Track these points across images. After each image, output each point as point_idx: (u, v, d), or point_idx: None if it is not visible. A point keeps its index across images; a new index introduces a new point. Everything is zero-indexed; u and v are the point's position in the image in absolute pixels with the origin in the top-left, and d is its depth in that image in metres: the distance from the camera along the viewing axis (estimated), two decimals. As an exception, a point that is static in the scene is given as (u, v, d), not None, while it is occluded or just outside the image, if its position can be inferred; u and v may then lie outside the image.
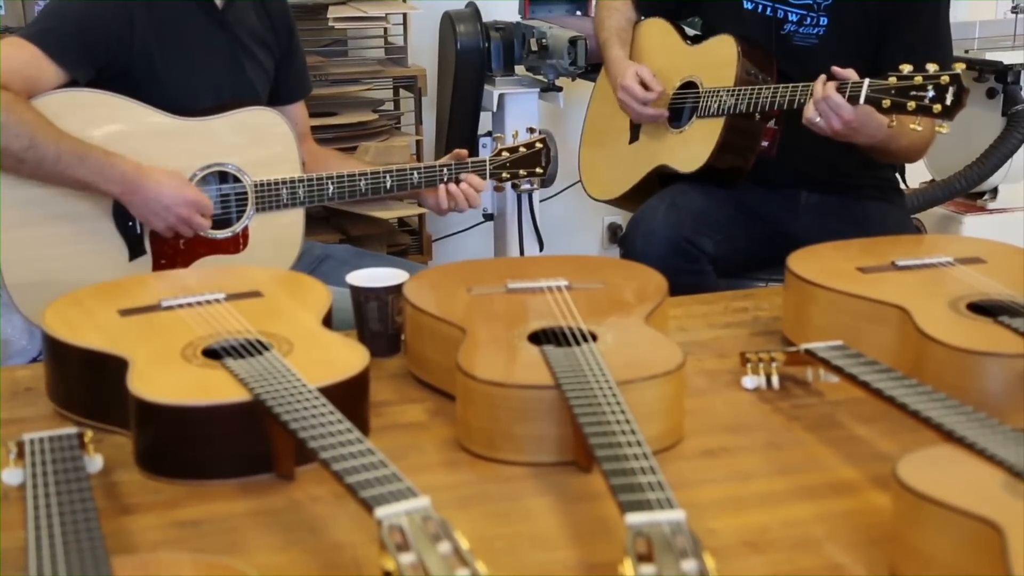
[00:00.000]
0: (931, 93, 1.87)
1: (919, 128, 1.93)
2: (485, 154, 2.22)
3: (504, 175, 2.21)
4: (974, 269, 1.62)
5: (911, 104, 1.89)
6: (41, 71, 1.89)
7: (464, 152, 2.18)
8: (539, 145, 2.23)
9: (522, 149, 2.22)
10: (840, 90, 1.97)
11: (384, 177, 2.11)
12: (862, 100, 1.94)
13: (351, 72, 3.06)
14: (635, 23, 2.49)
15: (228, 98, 2.05)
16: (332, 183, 2.06)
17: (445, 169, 2.15)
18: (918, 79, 1.88)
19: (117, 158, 1.89)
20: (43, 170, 1.86)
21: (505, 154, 2.21)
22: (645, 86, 2.32)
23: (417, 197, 2.25)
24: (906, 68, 1.89)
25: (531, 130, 2.26)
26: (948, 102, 1.87)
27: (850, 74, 1.97)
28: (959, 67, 1.88)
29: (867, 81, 1.94)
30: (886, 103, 1.92)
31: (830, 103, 1.96)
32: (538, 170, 2.24)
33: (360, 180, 2.09)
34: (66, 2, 1.99)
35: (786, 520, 1.18)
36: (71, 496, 1.06)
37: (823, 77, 2.00)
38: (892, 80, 1.91)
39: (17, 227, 1.90)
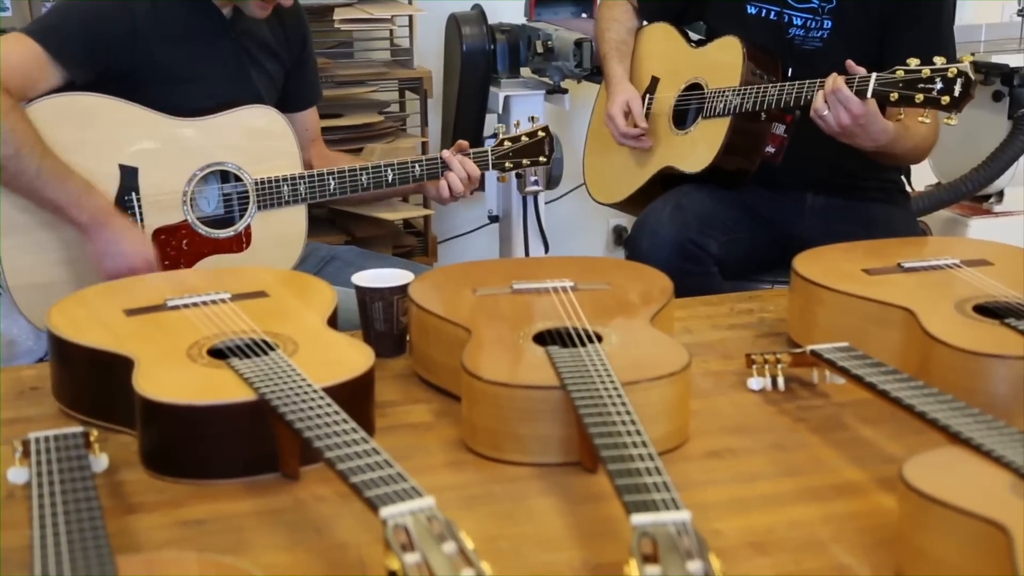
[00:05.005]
0: (939, 85, 1.87)
1: (927, 120, 1.93)
2: (490, 156, 2.21)
3: (507, 164, 2.21)
4: (980, 271, 1.62)
5: (919, 96, 1.89)
6: (41, 68, 1.89)
7: (465, 143, 2.17)
8: (541, 133, 2.22)
9: (524, 138, 2.21)
10: (848, 84, 1.97)
11: (385, 171, 2.10)
12: (869, 94, 1.95)
13: (357, 74, 3.06)
14: (638, 28, 2.50)
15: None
16: (333, 178, 2.06)
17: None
18: (925, 72, 1.88)
19: (94, 192, 1.89)
20: (20, 182, 1.85)
21: (507, 143, 2.20)
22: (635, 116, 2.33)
23: (420, 190, 2.25)
24: (913, 62, 1.90)
25: (533, 119, 2.25)
26: (956, 94, 1.87)
27: (862, 70, 1.98)
28: (967, 59, 1.89)
29: (874, 75, 1.94)
30: (894, 96, 1.92)
31: (839, 96, 1.96)
32: (542, 159, 2.23)
33: (361, 174, 2.08)
34: (70, 2, 1.99)
35: (792, 521, 1.18)
36: (76, 495, 1.06)
37: (835, 74, 1.99)
38: (900, 73, 1.91)
39: (19, 232, 1.90)
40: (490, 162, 2.18)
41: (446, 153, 2.14)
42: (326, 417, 1.18)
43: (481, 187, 2.25)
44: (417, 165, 2.12)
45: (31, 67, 1.88)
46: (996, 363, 1.38)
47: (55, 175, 1.85)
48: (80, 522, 1.01)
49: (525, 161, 2.21)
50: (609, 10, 2.54)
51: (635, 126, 2.34)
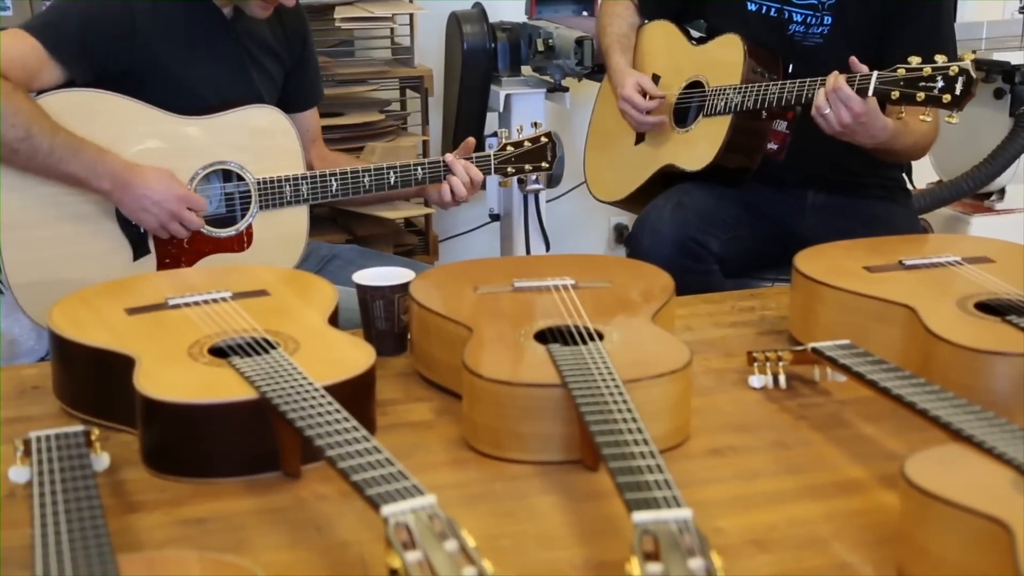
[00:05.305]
0: (940, 83, 1.87)
1: (928, 119, 1.93)
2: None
3: (509, 170, 2.20)
4: (982, 268, 1.62)
5: (920, 95, 1.89)
6: (40, 64, 1.89)
7: (471, 141, 2.17)
8: (544, 139, 2.22)
9: (527, 143, 2.21)
10: (849, 83, 1.97)
11: (388, 173, 2.10)
12: (871, 92, 1.94)
13: (358, 72, 3.06)
14: (639, 26, 2.50)
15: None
16: (335, 179, 2.06)
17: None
18: (927, 70, 1.88)
19: (108, 155, 1.89)
20: (36, 162, 1.85)
21: (510, 148, 2.20)
22: (645, 94, 2.33)
23: (422, 193, 2.25)
24: (915, 60, 1.90)
25: (536, 125, 2.25)
26: (957, 92, 1.87)
27: (865, 68, 1.97)
28: (968, 56, 1.88)
29: (875, 73, 1.94)
30: (895, 95, 1.91)
31: (840, 94, 1.96)
32: (544, 164, 2.23)
33: (364, 176, 2.08)
34: (70, 0, 1.99)
35: (793, 519, 1.18)
36: (77, 494, 1.06)
37: (836, 72, 1.99)
38: (901, 72, 1.91)
39: (20, 229, 1.90)
40: (492, 166, 2.18)
41: (449, 157, 2.13)
42: (327, 415, 1.18)
43: (482, 186, 2.25)
44: (419, 168, 2.12)
45: (30, 60, 1.88)
46: (997, 360, 1.37)
47: (68, 148, 1.86)
48: (81, 521, 1.01)
49: (528, 166, 2.21)
50: (611, 7, 2.54)
51: (652, 99, 2.33)
